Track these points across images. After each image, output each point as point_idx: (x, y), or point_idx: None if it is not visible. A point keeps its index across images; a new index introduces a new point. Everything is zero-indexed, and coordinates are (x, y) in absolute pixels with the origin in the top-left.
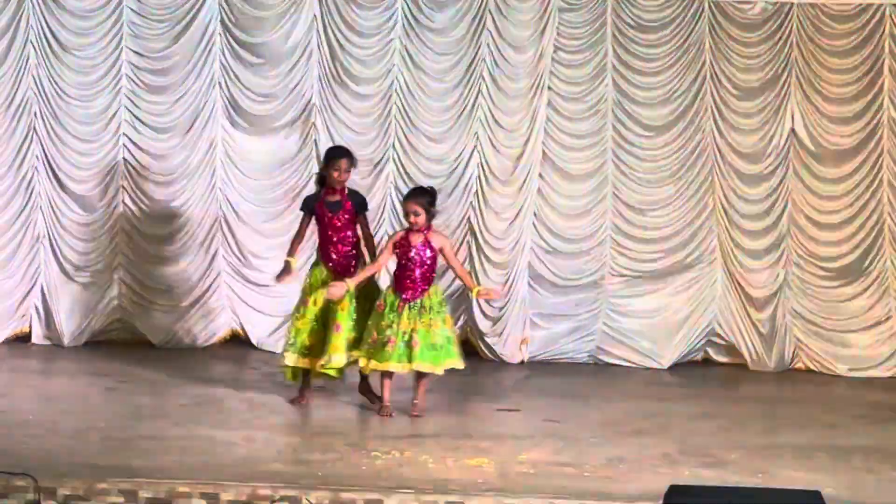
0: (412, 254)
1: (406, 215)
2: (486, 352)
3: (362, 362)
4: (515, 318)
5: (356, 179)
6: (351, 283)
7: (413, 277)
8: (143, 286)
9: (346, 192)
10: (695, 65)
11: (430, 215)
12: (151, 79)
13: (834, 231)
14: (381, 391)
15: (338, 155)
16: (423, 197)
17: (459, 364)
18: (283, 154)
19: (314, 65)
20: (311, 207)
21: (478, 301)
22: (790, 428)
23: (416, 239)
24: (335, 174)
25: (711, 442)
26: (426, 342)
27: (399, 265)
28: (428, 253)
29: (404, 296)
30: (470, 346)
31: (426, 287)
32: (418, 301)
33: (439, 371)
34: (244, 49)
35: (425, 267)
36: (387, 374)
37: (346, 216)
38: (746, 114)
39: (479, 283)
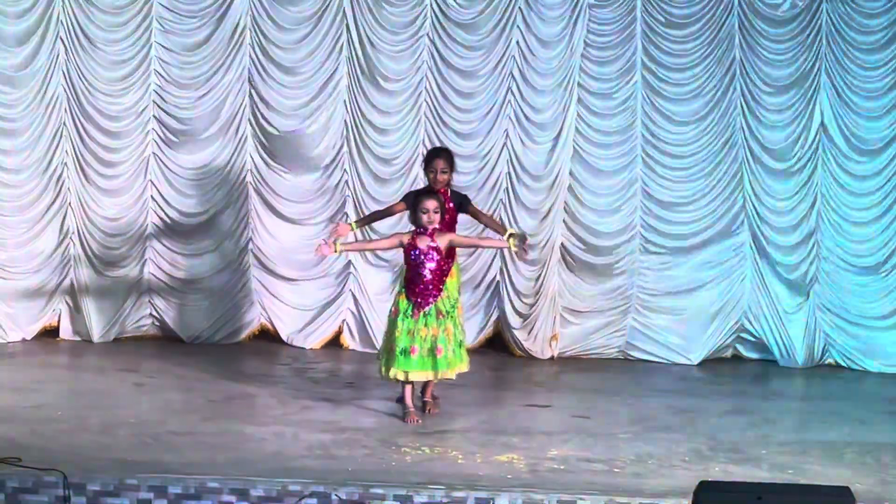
0: (422, 259)
1: (423, 213)
2: (517, 347)
3: (383, 371)
4: (546, 314)
5: (384, 177)
6: (338, 244)
7: (425, 282)
8: (172, 282)
9: (450, 193)
10: (724, 60)
11: (442, 217)
12: (181, 74)
13: (864, 227)
14: (404, 397)
15: (432, 155)
16: (438, 196)
17: (466, 367)
18: (315, 151)
19: (344, 61)
20: (410, 203)
21: (515, 257)
22: (819, 424)
23: (423, 243)
24: (432, 176)
25: (741, 438)
26: (447, 348)
27: (409, 271)
28: (435, 256)
29: (418, 302)
30: (501, 341)
31: (440, 290)
32: (433, 306)
33: (453, 376)
34: (274, 45)
35: (437, 270)
36: (408, 381)
37: (448, 217)
38: (776, 109)
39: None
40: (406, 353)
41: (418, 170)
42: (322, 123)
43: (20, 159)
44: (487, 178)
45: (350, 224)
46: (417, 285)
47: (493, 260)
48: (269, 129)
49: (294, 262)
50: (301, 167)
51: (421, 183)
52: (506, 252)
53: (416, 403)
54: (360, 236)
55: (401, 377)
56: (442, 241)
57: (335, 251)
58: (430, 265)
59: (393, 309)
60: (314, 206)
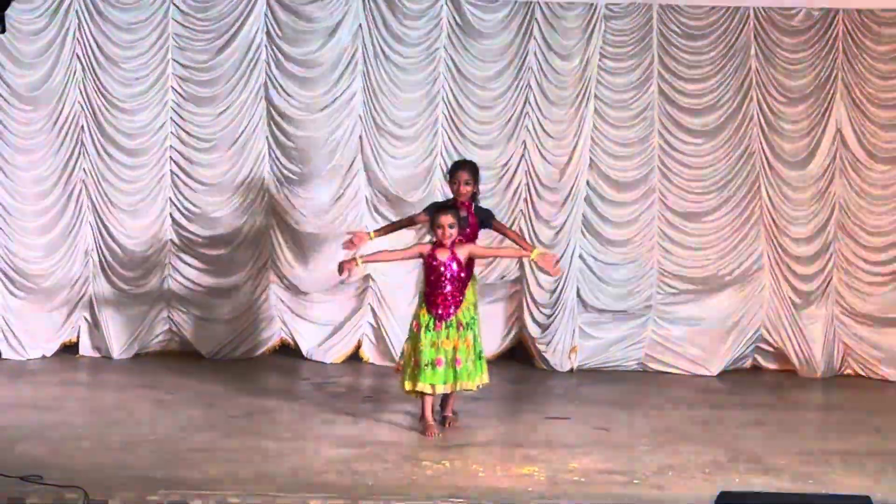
0: (442, 270)
1: (438, 228)
2: (537, 360)
3: (408, 385)
4: (564, 326)
5: (402, 188)
6: (359, 258)
7: (445, 294)
8: (192, 297)
9: (473, 207)
10: (741, 71)
11: (461, 230)
12: (198, 90)
13: (882, 236)
14: (423, 411)
15: (455, 168)
16: (455, 211)
17: (487, 379)
18: (332, 165)
19: (360, 75)
20: (431, 214)
21: (536, 269)
22: (839, 434)
23: (443, 255)
24: (454, 187)
25: (761, 448)
26: (467, 359)
27: (429, 283)
28: (455, 267)
29: (439, 314)
30: (521, 354)
31: (459, 302)
32: (454, 318)
33: (474, 387)
34: (290, 61)
35: (456, 282)
36: (428, 394)
37: (470, 231)
38: (793, 119)
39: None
40: (432, 365)
41: (437, 182)
42: (339, 135)
43: (38, 178)
44: (506, 189)
45: (369, 233)
46: (437, 296)
47: (512, 271)
48: (287, 143)
49: (314, 277)
50: (318, 178)
51: (439, 195)
52: (525, 262)
53: (436, 417)
54: (387, 244)
55: (428, 390)
56: (462, 253)
57: (357, 265)
58: (450, 276)
59: (415, 323)
60: (332, 219)
